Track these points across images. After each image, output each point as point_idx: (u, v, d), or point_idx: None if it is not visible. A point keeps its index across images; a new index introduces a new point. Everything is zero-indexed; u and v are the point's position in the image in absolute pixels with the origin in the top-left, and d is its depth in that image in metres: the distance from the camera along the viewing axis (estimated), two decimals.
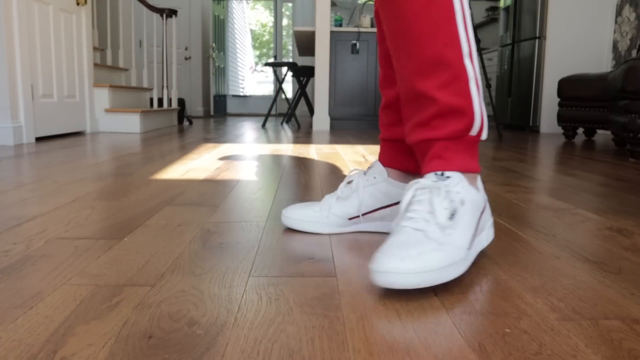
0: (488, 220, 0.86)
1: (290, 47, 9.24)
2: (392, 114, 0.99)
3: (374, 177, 0.98)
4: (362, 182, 0.99)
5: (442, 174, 0.78)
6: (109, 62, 4.35)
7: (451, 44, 0.77)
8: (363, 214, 0.99)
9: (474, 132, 0.81)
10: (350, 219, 0.99)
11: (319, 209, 1.00)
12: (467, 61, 0.78)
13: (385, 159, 1.00)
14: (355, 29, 4.61)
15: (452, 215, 0.74)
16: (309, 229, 1.00)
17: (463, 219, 0.75)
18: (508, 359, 0.53)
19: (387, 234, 1.01)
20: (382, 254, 0.69)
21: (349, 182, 1.02)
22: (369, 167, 1.01)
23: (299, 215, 1.00)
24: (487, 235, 0.86)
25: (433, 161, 0.81)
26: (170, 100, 4.81)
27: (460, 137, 0.80)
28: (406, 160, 0.98)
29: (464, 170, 0.80)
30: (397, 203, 0.98)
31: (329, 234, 1.00)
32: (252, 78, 10.93)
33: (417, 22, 0.77)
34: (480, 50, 3.81)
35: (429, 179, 0.79)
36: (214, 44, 7.90)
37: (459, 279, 0.76)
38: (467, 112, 0.79)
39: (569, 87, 3.54)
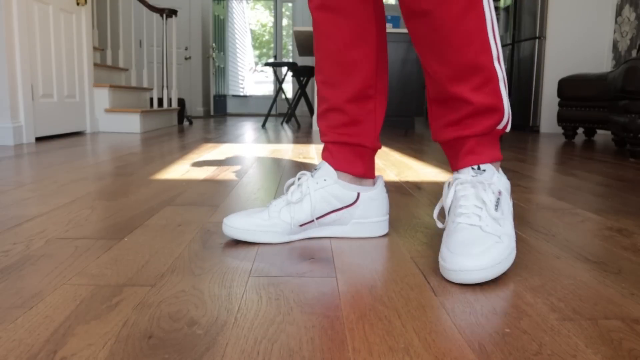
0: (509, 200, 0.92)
1: (290, 47, 9.24)
2: (340, 115, 0.96)
3: (324, 180, 0.94)
4: (312, 185, 0.94)
5: (479, 168, 0.85)
6: (109, 62, 4.35)
7: (484, 51, 0.82)
8: (317, 218, 0.95)
9: (501, 125, 0.88)
10: (301, 225, 0.94)
11: (267, 216, 0.93)
12: (496, 64, 0.84)
13: (333, 162, 0.97)
14: None
15: (497, 206, 0.82)
16: (256, 239, 0.92)
17: (504, 208, 0.83)
18: (508, 359, 0.53)
19: (346, 238, 0.97)
20: (454, 254, 0.75)
21: (298, 186, 0.95)
22: (316, 169, 0.97)
23: (244, 224, 0.92)
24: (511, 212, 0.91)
25: (468, 157, 0.87)
26: (170, 100, 4.81)
27: (491, 132, 0.87)
28: (355, 164, 0.97)
29: (493, 161, 0.87)
30: (348, 206, 0.95)
31: (279, 244, 0.93)
32: (252, 78, 10.93)
33: (452, 34, 0.81)
34: None
35: (467, 174, 0.85)
36: (214, 44, 7.90)
37: None
38: (498, 110, 0.85)
39: (569, 87, 3.53)
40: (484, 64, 0.82)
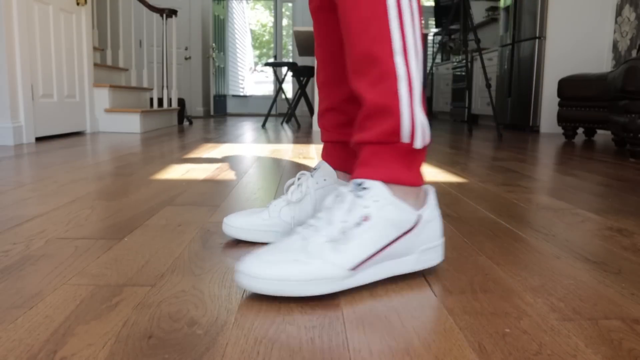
0: (422, 244, 0.75)
1: (290, 47, 9.24)
2: (338, 115, 0.95)
3: (324, 179, 0.93)
4: (312, 185, 0.93)
5: (360, 184, 0.72)
6: (109, 62, 4.35)
7: (380, 41, 0.71)
8: None
9: (404, 138, 0.73)
10: (301, 225, 0.92)
11: (268, 216, 0.92)
12: (398, 59, 0.72)
13: (332, 161, 0.96)
14: None
15: (344, 232, 0.69)
16: (256, 238, 0.92)
17: (358, 236, 0.69)
18: (508, 359, 0.53)
19: None
20: (251, 255, 0.70)
21: (298, 185, 0.94)
22: (315, 169, 0.95)
23: (244, 224, 0.92)
24: (417, 261, 0.75)
25: (358, 168, 0.75)
26: (170, 100, 4.81)
27: (389, 143, 0.73)
28: (353, 163, 0.95)
29: (391, 181, 0.73)
30: None
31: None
32: (252, 78, 10.93)
33: (349, 19, 0.73)
34: (480, 50, 3.81)
35: (347, 187, 0.73)
36: (214, 44, 7.90)
37: (458, 278, 0.76)
38: (392, 113, 0.72)
39: (569, 87, 3.54)
40: (379, 55, 0.72)
